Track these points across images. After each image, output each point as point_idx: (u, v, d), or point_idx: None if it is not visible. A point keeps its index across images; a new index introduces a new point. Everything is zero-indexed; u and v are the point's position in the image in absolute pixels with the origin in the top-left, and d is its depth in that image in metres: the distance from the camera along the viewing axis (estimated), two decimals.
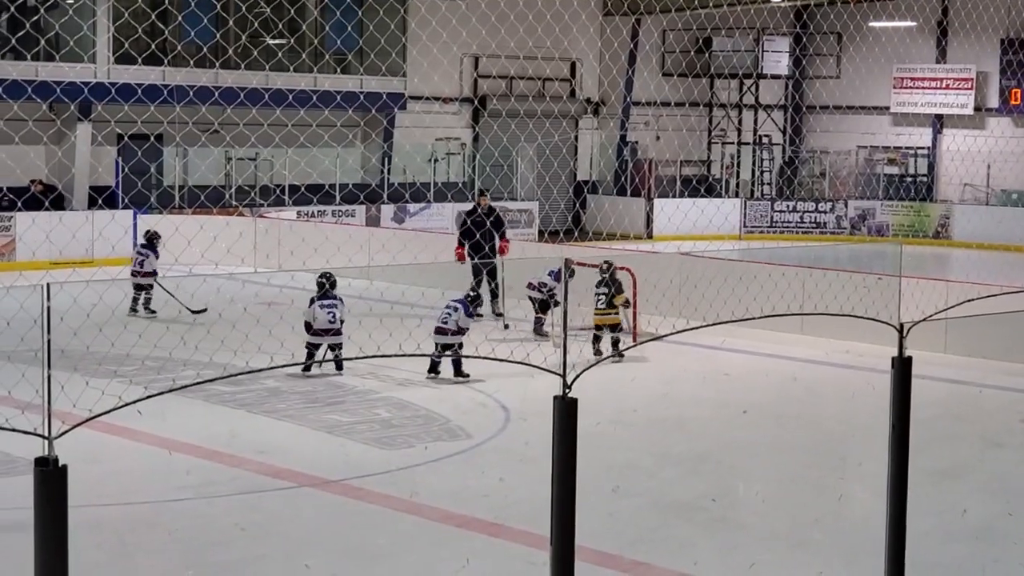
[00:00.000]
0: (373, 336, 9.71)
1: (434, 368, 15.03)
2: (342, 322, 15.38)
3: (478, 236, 19.56)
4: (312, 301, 15.51)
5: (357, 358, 13.51)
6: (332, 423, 12.97)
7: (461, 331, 15.06)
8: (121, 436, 11.60)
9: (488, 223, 19.71)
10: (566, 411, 5.44)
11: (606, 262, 17.10)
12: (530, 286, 18.11)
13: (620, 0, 32.32)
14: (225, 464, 11.41)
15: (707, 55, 37.00)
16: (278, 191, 29.51)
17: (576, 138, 36.06)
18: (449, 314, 15.07)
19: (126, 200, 26.78)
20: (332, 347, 15.34)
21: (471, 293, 16.06)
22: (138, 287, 19.10)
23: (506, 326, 18.61)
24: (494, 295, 19.41)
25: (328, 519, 10.09)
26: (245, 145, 26.72)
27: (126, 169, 26.74)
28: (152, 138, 25.59)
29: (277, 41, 29.37)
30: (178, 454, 11.63)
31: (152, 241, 19.69)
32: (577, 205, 35.83)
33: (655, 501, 10.76)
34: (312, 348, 15.32)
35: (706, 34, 36.52)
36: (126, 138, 26.39)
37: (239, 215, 27.09)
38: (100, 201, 26.19)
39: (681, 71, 34.49)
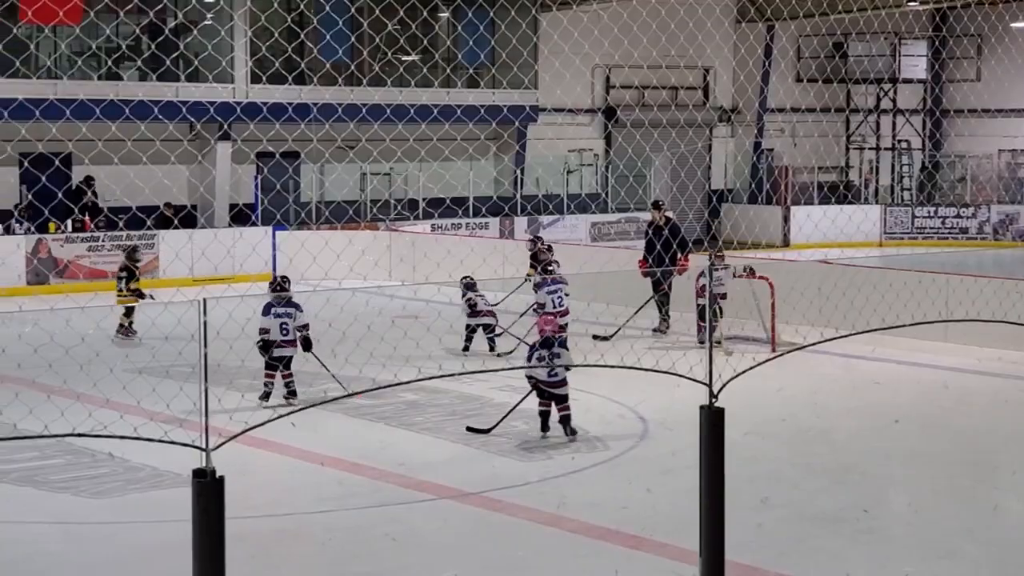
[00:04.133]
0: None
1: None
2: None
3: (657, 248, 19.29)
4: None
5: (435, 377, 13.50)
6: (469, 435, 12.95)
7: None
8: (265, 449, 11.72)
9: (665, 235, 19.29)
10: (713, 421, 5.34)
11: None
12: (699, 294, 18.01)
13: (752, 6, 32.00)
14: (366, 477, 11.45)
15: (842, 60, 36.46)
16: (412, 206, 29.72)
17: (709, 146, 35.76)
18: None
19: (264, 217, 27.18)
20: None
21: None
22: None
23: (663, 331, 18.65)
24: (660, 308, 19.13)
25: (468, 531, 10.07)
26: (379, 161, 26.99)
27: (269, 186, 27.15)
28: (291, 156, 25.99)
29: (410, 58, 29.61)
30: (319, 466, 11.71)
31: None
32: (707, 214, 35.51)
33: (800, 512, 10.55)
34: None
35: (841, 39, 35.98)
36: (263, 156, 26.80)
37: (374, 230, 27.33)
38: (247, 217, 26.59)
39: (815, 76, 34.02)
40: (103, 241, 24.99)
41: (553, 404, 12.85)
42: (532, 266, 20.77)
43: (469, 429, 13.13)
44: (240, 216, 28.09)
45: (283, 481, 11.34)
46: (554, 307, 17.64)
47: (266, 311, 14.00)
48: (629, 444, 12.72)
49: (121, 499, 10.65)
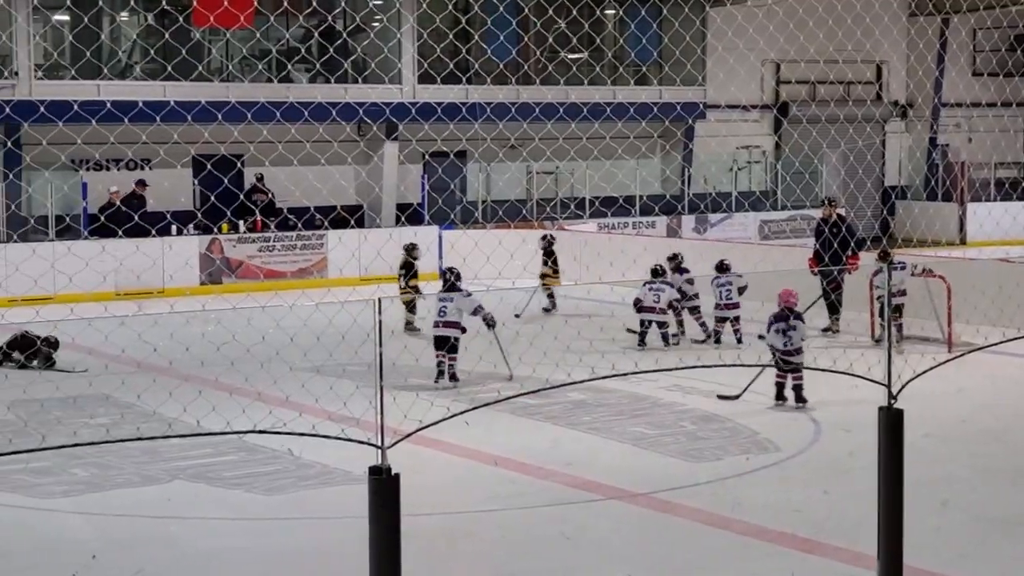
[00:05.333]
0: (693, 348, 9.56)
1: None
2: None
3: (835, 246, 18.94)
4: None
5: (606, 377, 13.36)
6: (638, 435, 12.84)
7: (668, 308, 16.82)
8: (433, 448, 11.76)
9: (833, 233, 18.95)
10: (892, 422, 5.15)
11: None
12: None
13: (926, 0, 31.25)
14: (533, 476, 11.42)
15: (1021, 53, 35.37)
16: (580, 205, 29.67)
17: (883, 142, 35.00)
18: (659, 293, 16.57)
19: (432, 217, 27.40)
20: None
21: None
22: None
23: (833, 331, 18.44)
24: (832, 309, 18.75)
25: (636, 532, 9.96)
26: (547, 160, 26.98)
27: (438, 186, 27.37)
28: (459, 155, 26.12)
29: (575, 55, 29.55)
30: (486, 465, 11.71)
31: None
32: (884, 211, 34.76)
33: (980, 515, 10.21)
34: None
35: (1019, 31, 34.91)
36: (431, 156, 27.01)
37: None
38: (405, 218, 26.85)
39: (993, 70, 33.06)
40: (274, 241, 25.44)
41: (788, 374, 13.82)
42: (544, 262, 21.33)
43: (720, 397, 14.13)
44: (409, 216, 28.34)
45: (453, 479, 11.36)
46: (721, 299, 17.64)
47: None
48: (801, 446, 12.47)
49: (293, 495, 10.78)
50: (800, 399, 13.83)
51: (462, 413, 5.53)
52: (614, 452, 12.31)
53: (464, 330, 15.17)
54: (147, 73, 26.15)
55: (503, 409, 13.59)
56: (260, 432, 6.09)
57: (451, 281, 16.22)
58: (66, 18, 25.86)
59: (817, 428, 13.12)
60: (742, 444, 12.47)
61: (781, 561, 9.11)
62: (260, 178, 26.56)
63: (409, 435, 5.23)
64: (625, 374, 14.17)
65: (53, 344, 16.18)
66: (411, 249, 19.84)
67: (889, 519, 5.15)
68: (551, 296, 21.34)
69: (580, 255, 24.72)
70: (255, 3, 22.13)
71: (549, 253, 21.63)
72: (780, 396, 13.92)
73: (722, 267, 18.18)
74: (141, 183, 25.23)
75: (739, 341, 17.60)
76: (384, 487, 4.84)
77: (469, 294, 15.43)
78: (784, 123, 33.24)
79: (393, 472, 4.87)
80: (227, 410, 8.71)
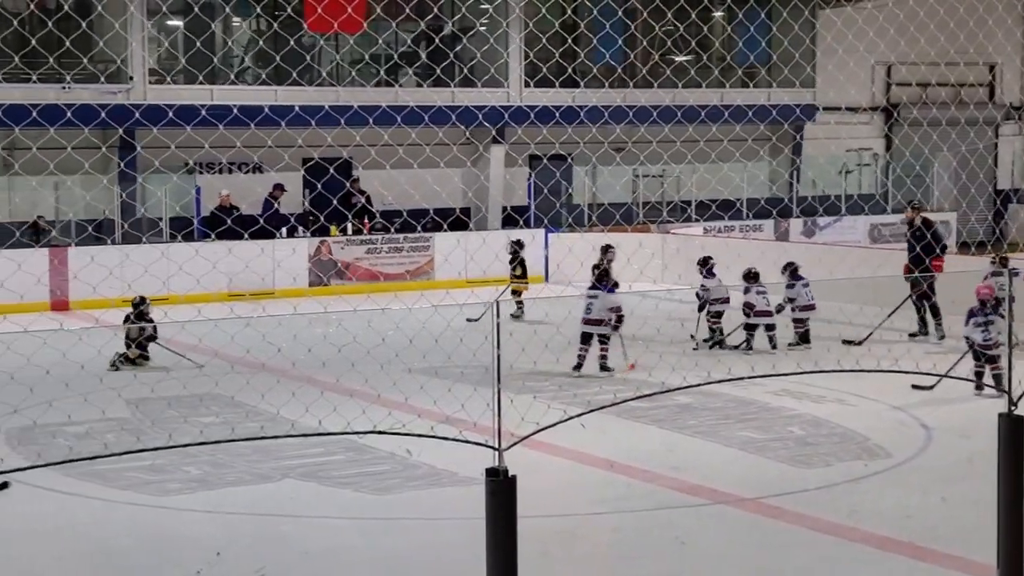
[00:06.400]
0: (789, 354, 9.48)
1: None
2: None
3: (917, 251, 18.71)
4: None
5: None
6: (745, 440, 12.75)
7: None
8: (539, 450, 11.76)
9: (916, 237, 18.71)
10: (1012, 429, 5.06)
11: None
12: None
13: None
14: (639, 479, 11.38)
15: None
16: (683, 208, 29.53)
17: (995, 145, 34.40)
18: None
19: (536, 220, 27.42)
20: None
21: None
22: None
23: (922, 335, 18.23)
24: (933, 314, 18.48)
25: (743, 537, 9.89)
26: (654, 162, 26.88)
27: (540, 189, 27.38)
28: (562, 158, 26.11)
29: (681, 58, 29.44)
30: (593, 468, 11.70)
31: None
32: (990, 216, 34.12)
33: None
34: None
35: None
36: (537, 158, 27.02)
37: (648, 232, 27.25)
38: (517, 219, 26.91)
39: None
40: (380, 244, 25.62)
41: (987, 365, 14.18)
42: (512, 268, 21.26)
43: (914, 387, 14.20)
44: (512, 219, 28.41)
45: (561, 481, 11.35)
46: (807, 300, 17.95)
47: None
48: (912, 451, 12.30)
49: (401, 496, 10.85)
50: (1000, 388, 13.82)
51: (579, 416, 5.52)
52: (721, 456, 12.23)
53: (607, 324, 16.07)
54: (258, 77, 26.51)
55: (610, 411, 13.54)
56: (379, 433, 6.16)
57: (598, 276, 16.79)
58: (179, 23, 26.31)
59: (928, 434, 12.93)
60: (852, 450, 12.33)
61: (893, 568, 9.01)
62: (355, 180, 26.78)
63: (526, 437, 5.25)
64: (742, 378, 14.08)
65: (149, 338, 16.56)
66: (515, 244, 20.63)
67: (1009, 527, 5.06)
68: (520, 303, 20.99)
69: (691, 257, 24.57)
70: (366, 8, 22.36)
71: (516, 258, 21.36)
72: (979, 386, 14.15)
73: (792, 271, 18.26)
74: (279, 187, 25.56)
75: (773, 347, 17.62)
76: (501, 489, 4.87)
77: (613, 291, 16.46)
78: (896, 124, 32.80)
79: (510, 474, 4.89)
80: (347, 411, 8.79)
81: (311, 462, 11.80)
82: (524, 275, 21.37)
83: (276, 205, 25.55)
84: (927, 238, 18.56)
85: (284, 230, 25.18)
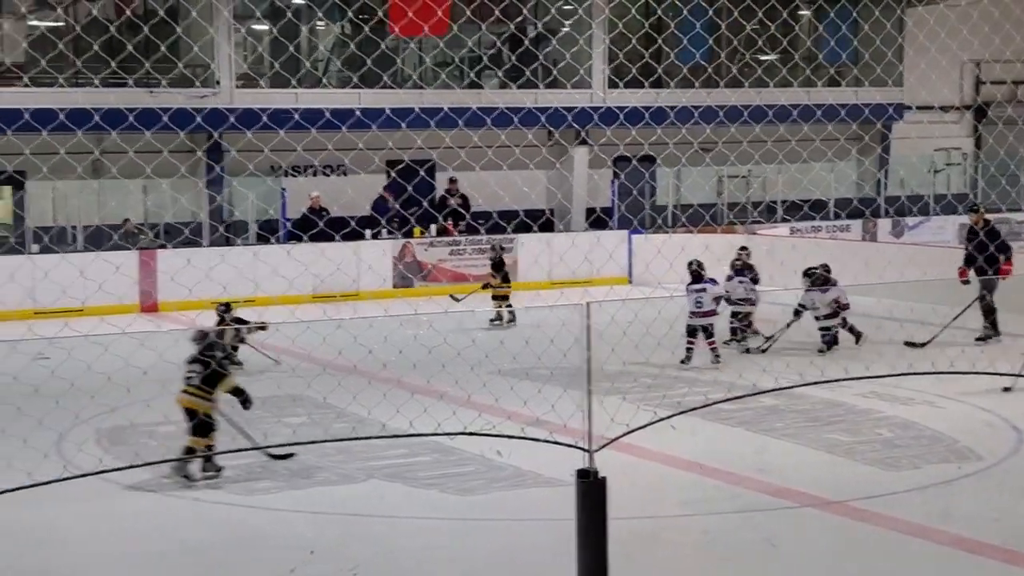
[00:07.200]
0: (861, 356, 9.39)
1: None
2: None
3: (981, 255, 18.45)
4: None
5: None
6: (833, 442, 12.63)
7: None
8: (625, 452, 11.73)
9: (983, 240, 18.47)
10: None
11: None
12: None
13: None
14: (724, 481, 11.31)
15: None
16: (771, 207, 29.32)
17: None
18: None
19: (621, 221, 27.37)
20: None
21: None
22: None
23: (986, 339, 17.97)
24: (986, 315, 18.21)
25: (831, 540, 9.81)
26: (737, 163, 26.72)
27: (625, 190, 27.33)
28: (647, 159, 26.03)
29: (768, 57, 29.23)
30: (680, 470, 11.65)
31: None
32: None
33: None
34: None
35: None
36: (620, 159, 26.98)
37: (731, 234, 27.07)
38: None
39: None
40: (464, 245, 25.69)
41: None
42: (492, 275, 21.13)
43: (1005, 389, 14.24)
44: (597, 220, 28.37)
45: (649, 483, 11.30)
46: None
47: (688, 292, 16.99)
48: (1003, 454, 12.11)
49: (486, 497, 10.87)
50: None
51: (669, 417, 5.51)
52: (808, 459, 12.12)
53: (718, 314, 17.13)
54: (341, 81, 26.69)
55: (695, 413, 13.47)
56: (471, 434, 6.20)
57: (698, 272, 17.29)
58: (264, 27, 26.57)
59: (1020, 436, 12.73)
60: (941, 452, 12.17)
61: (984, 571, 8.90)
62: (453, 181, 26.85)
63: (616, 439, 5.25)
64: (835, 380, 13.95)
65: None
66: (499, 248, 21.15)
67: None
68: (510, 308, 20.87)
69: (788, 260, 24.39)
70: (451, 10, 22.44)
71: (498, 264, 21.32)
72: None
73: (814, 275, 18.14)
74: (389, 188, 25.78)
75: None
76: (592, 490, 4.89)
77: (716, 283, 17.31)
78: (983, 125, 32.33)
79: (599, 476, 4.90)
80: (437, 412, 8.81)
81: (396, 463, 11.86)
82: (507, 281, 21.30)
83: (390, 205, 25.85)
84: (994, 240, 18.30)
85: (369, 232, 25.32)
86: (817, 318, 17.82)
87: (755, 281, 18.60)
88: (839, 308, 17.74)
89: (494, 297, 21.03)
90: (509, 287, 21.29)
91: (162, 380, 11.44)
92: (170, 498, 10.87)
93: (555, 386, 11.82)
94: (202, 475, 11.31)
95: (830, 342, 17.60)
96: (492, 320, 20.69)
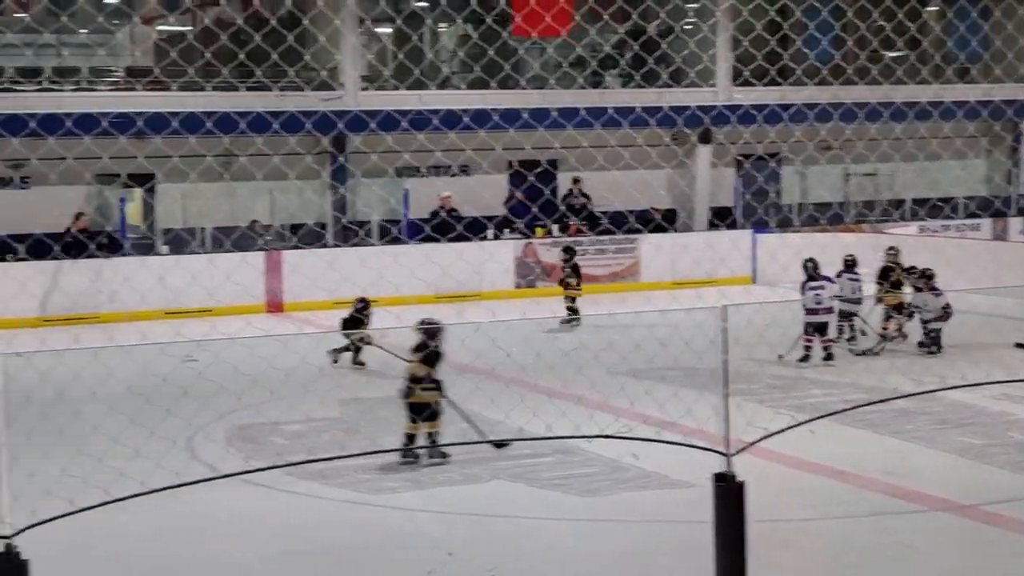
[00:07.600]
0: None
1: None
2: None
3: None
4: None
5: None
6: (964, 445, 12.40)
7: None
8: (756, 455, 11.60)
9: None
10: None
11: None
12: None
13: None
14: (852, 484, 11.16)
15: None
16: (898, 206, 28.85)
17: None
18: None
19: (745, 218, 27.14)
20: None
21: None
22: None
23: None
24: None
25: (965, 545, 9.67)
26: (862, 162, 26.34)
27: (749, 187, 27.10)
28: (772, 156, 25.75)
29: (897, 54, 28.75)
30: (811, 474, 11.50)
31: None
32: None
33: None
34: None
35: None
36: (744, 158, 26.75)
37: (858, 232, 26.69)
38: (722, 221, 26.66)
39: None
40: (587, 245, 25.61)
41: None
42: (566, 273, 21.17)
43: None
44: (720, 217, 28.15)
45: (782, 486, 11.18)
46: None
47: (802, 290, 17.16)
48: None
49: (609, 498, 10.84)
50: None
51: (807, 422, 5.47)
52: (938, 462, 11.94)
53: (833, 311, 17.29)
54: (465, 82, 26.80)
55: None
56: (607, 437, 6.22)
57: (813, 270, 17.44)
58: (388, 30, 26.79)
59: None
60: None
61: None
62: (577, 180, 26.82)
63: (754, 443, 5.22)
64: (980, 384, 13.70)
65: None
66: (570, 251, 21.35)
67: None
68: (574, 309, 20.64)
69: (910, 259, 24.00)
70: (573, 12, 22.43)
71: (571, 264, 21.19)
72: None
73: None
74: (577, 181, 26.00)
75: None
76: (730, 493, 4.88)
77: (832, 281, 17.49)
78: None
79: (737, 479, 4.89)
80: (574, 414, 8.79)
81: (519, 463, 11.87)
82: (579, 283, 21.20)
83: (584, 200, 26.00)
84: None
85: (491, 232, 25.38)
86: (926, 321, 17.51)
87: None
88: (948, 312, 17.42)
89: (566, 296, 21.02)
90: (580, 290, 21.25)
91: (304, 381, 11.57)
92: (299, 498, 10.95)
93: (690, 389, 11.72)
94: (428, 460, 11.74)
95: (937, 343, 17.34)
96: (563, 320, 20.50)
